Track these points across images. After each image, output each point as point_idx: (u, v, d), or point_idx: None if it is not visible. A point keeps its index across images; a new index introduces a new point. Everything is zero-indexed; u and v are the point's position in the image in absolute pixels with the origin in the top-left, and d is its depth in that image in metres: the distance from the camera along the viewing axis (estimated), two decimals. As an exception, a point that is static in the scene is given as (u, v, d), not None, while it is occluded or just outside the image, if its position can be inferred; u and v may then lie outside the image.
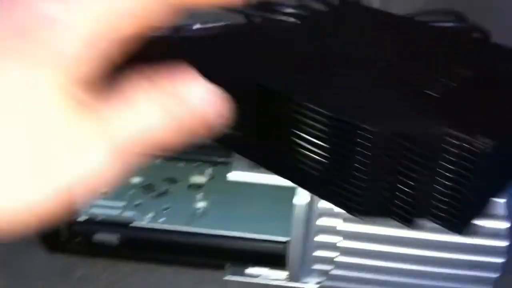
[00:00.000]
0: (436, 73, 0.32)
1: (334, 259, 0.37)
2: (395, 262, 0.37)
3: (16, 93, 0.19)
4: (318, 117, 0.27)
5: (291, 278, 0.38)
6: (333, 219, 0.36)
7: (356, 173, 0.27)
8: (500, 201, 0.34)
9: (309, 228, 0.36)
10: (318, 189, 0.28)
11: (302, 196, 0.35)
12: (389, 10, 0.50)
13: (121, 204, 0.43)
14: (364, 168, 0.27)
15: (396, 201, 0.27)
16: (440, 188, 0.27)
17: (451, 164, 0.26)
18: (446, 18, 0.49)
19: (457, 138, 0.26)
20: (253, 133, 0.30)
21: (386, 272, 0.37)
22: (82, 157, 0.19)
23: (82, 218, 0.42)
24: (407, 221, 0.27)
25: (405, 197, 0.27)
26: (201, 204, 0.42)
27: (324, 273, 0.38)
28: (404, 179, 0.27)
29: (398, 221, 0.27)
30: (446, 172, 0.26)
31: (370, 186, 0.27)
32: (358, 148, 0.26)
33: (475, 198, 0.27)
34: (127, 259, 0.42)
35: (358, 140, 0.26)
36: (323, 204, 0.36)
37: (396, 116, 0.27)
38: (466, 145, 0.26)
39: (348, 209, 0.27)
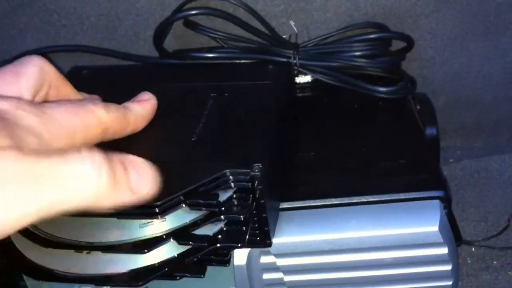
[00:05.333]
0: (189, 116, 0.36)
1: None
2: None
3: None
4: None
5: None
6: (276, 273, 0.36)
7: None
8: (434, 229, 0.35)
9: (254, 284, 0.36)
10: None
11: (240, 256, 0.35)
12: (308, 34, 0.50)
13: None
14: None
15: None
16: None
17: (240, 194, 0.31)
18: (370, 31, 0.49)
19: (234, 174, 0.31)
20: None
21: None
22: None
23: None
24: (226, 261, 0.33)
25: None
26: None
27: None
28: None
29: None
30: (239, 205, 0.31)
31: None
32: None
33: (269, 214, 0.32)
34: None
35: None
36: (265, 260, 0.36)
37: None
38: (244, 177, 0.31)
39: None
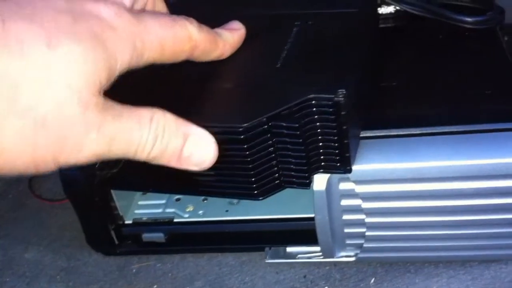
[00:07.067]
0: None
1: (366, 234, 0.38)
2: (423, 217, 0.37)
3: None
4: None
5: (324, 255, 0.40)
6: (355, 199, 0.37)
7: None
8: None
9: (333, 209, 0.37)
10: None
11: (319, 182, 0.36)
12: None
13: (162, 201, 0.46)
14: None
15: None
16: (323, 143, 0.33)
17: (321, 122, 0.32)
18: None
19: (317, 99, 0.31)
20: None
21: (417, 238, 0.38)
22: None
23: (128, 221, 0.45)
24: (307, 184, 0.34)
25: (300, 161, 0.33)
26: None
27: (359, 246, 0.39)
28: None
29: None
30: (321, 130, 0.33)
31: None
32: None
33: (350, 140, 0.33)
34: (176, 252, 0.45)
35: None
36: (344, 186, 0.36)
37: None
38: (327, 102, 0.31)
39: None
